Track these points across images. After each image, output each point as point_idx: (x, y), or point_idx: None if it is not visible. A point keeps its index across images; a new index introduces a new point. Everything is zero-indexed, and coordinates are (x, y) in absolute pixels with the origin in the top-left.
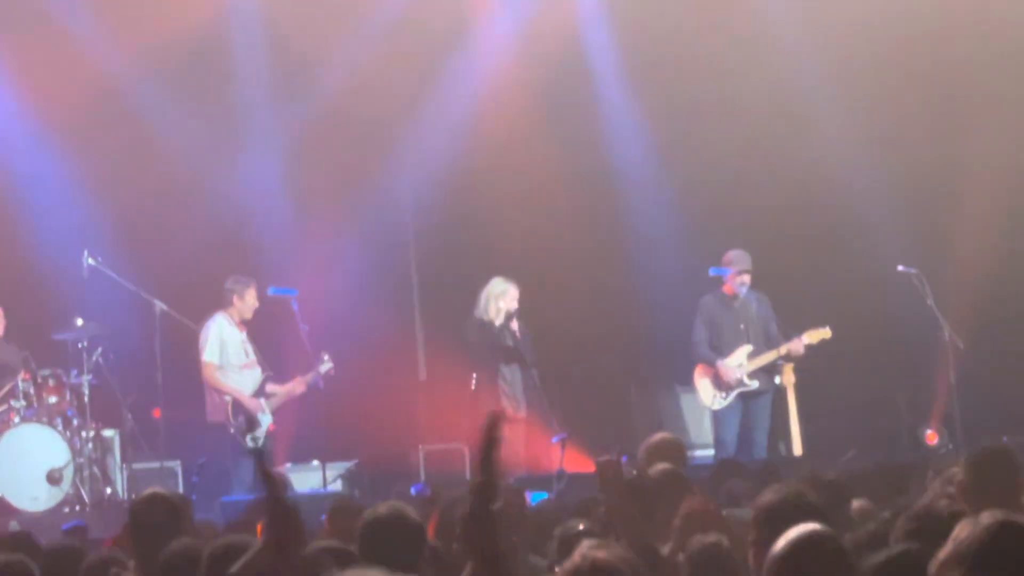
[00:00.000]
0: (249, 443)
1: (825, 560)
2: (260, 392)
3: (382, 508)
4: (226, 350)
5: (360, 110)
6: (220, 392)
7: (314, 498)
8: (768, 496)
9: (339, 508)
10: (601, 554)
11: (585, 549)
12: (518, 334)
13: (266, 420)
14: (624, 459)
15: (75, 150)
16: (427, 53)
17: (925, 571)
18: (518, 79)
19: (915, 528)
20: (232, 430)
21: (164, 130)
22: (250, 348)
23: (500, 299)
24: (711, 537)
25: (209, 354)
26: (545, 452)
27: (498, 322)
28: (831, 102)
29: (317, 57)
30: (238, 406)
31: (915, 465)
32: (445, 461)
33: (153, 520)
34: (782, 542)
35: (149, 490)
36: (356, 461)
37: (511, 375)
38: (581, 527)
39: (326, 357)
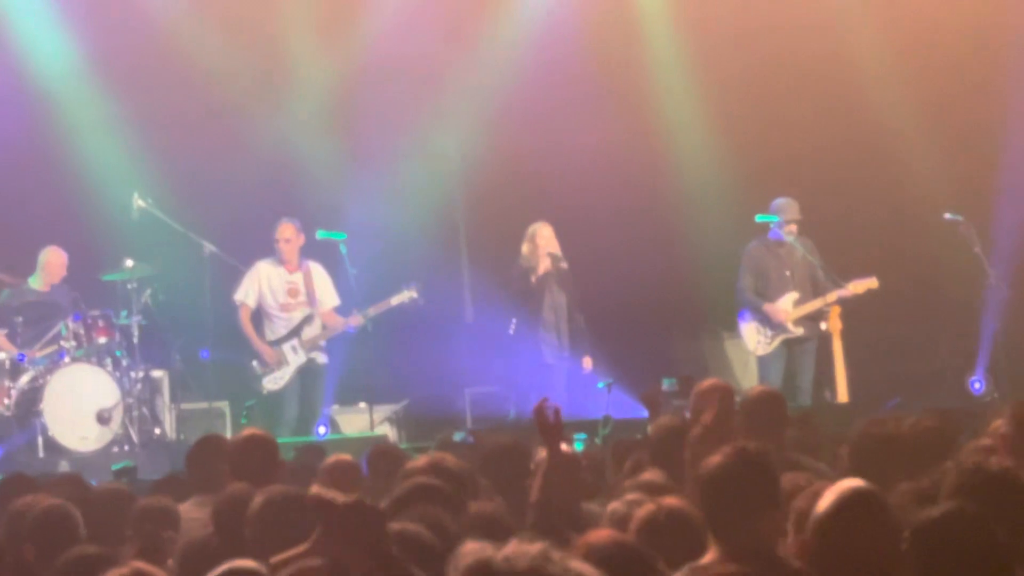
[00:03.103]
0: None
1: (871, 518)
2: (295, 332)
3: (421, 462)
4: (263, 292)
5: (410, 50)
6: (243, 334)
7: (362, 441)
8: None
9: (379, 453)
10: (673, 502)
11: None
12: (562, 277)
13: (294, 361)
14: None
15: (123, 90)
16: None
17: (976, 529)
18: (569, 27)
19: (965, 484)
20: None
21: (212, 70)
22: (299, 289)
23: (533, 240)
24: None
25: (237, 293)
26: (591, 397)
27: (538, 266)
28: (880, 49)
29: None
30: (252, 352)
31: (962, 412)
32: (491, 404)
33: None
34: (828, 499)
35: (247, 431)
36: (407, 402)
37: (553, 319)
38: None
39: (412, 286)
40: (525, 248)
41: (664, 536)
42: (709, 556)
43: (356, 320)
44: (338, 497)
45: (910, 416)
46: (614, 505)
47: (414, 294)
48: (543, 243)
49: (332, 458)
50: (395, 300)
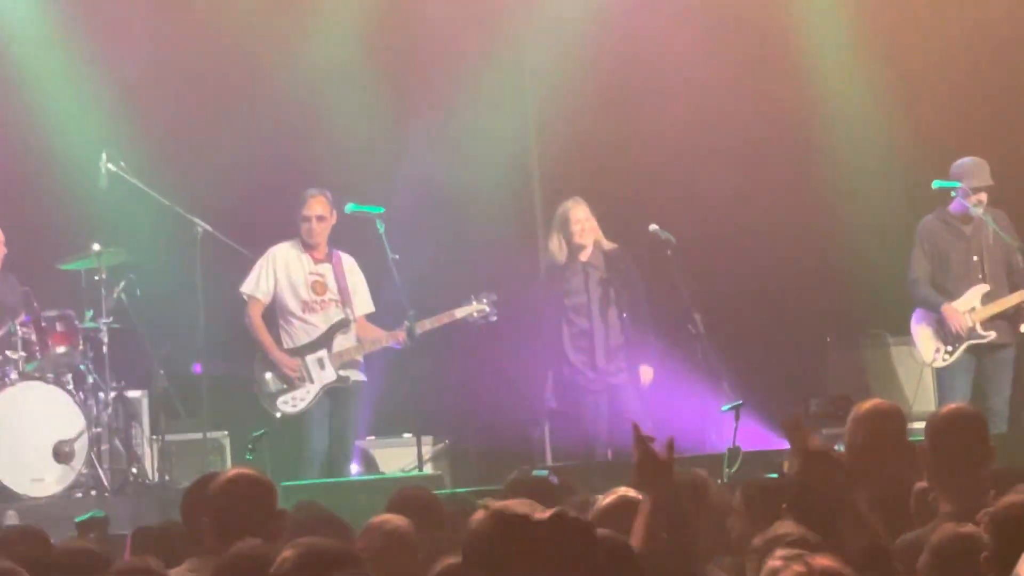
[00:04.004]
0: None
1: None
2: (324, 341)
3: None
4: (279, 284)
5: None
6: (253, 338)
7: (400, 484)
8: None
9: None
10: (826, 563)
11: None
12: (611, 263)
13: (321, 378)
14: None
15: (88, 19)
16: None
17: None
18: None
19: None
20: (256, 390)
21: (208, 6)
22: (327, 284)
23: (565, 226)
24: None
25: (245, 284)
26: (712, 423)
27: (573, 259)
28: None
29: None
30: (266, 362)
31: None
32: (576, 433)
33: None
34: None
35: (232, 471)
36: (447, 441)
37: (588, 325)
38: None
39: (484, 300)
40: (553, 241)
41: None
42: None
43: (401, 337)
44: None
45: None
46: (752, 565)
47: (486, 308)
48: (581, 227)
49: (379, 521)
50: (460, 313)
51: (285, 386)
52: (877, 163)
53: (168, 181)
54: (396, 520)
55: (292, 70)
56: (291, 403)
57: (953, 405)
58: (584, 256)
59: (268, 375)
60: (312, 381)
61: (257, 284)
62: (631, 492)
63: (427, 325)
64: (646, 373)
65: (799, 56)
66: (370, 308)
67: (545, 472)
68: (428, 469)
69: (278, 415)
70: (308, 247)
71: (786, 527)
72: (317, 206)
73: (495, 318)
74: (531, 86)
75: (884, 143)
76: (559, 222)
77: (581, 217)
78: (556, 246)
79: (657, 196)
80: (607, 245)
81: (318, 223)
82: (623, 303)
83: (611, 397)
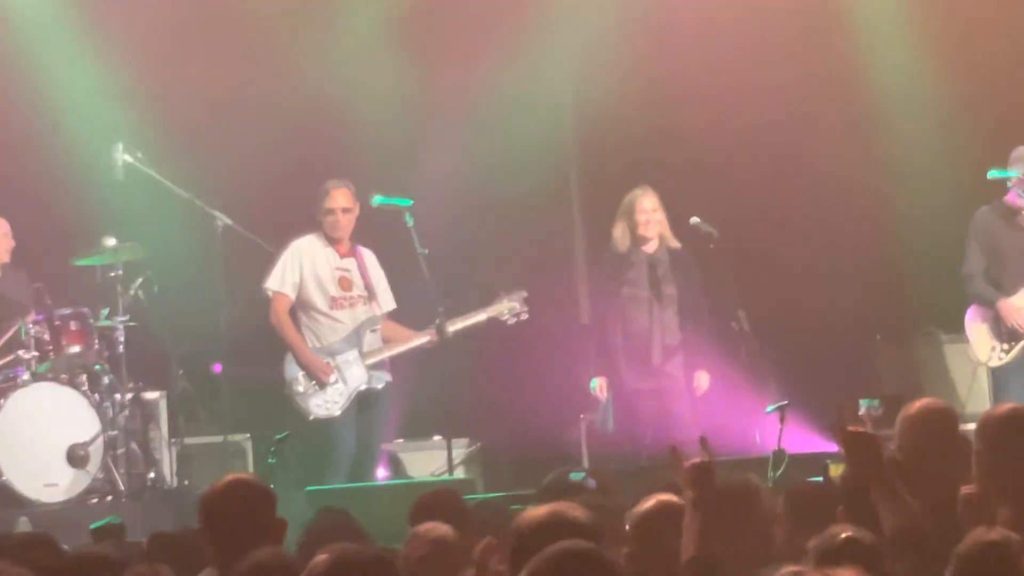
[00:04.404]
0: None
1: None
2: (355, 340)
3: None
4: (305, 279)
5: None
6: (281, 337)
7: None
8: None
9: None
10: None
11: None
12: (675, 262)
13: (354, 380)
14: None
15: (107, 15)
16: None
17: None
18: None
19: None
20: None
21: None
22: (353, 279)
23: (631, 216)
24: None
25: (270, 280)
26: (757, 424)
27: (624, 248)
28: None
29: None
30: (296, 363)
31: None
32: (615, 436)
33: (232, 520)
34: None
35: (228, 477)
36: (479, 444)
37: (647, 323)
38: (844, 535)
39: (513, 297)
40: (617, 229)
41: None
42: None
43: (431, 337)
44: None
45: None
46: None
47: (516, 306)
48: (647, 218)
49: (425, 529)
50: (489, 313)
51: (318, 388)
52: (930, 153)
53: (187, 173)
54: (442, 528)
55: (318, 59)
56: (324, 406)
57: (1009, 405)
58: (648, 249)
59: (301, 375)
60: (346, 383)
61: (283, 279)
62: (671, 497)
63: (457, 325)
64: (702, 379)
65: (849, 46)
66: (393, 306)
67: (582, 475)
68: (459, 473)
69: (311, 418)
70: (333, 241)
71: (841, 528)
72: (341, 197)
73: (526, 316)
74: (567, 76)
75: (937, 131)
76: (625, 210)
77: (648, 208)
78: (619, 234)
79: (698, 189)
80: (673, 243)
81: (344, 215)
82: (683, 304)
83: (661, 398)
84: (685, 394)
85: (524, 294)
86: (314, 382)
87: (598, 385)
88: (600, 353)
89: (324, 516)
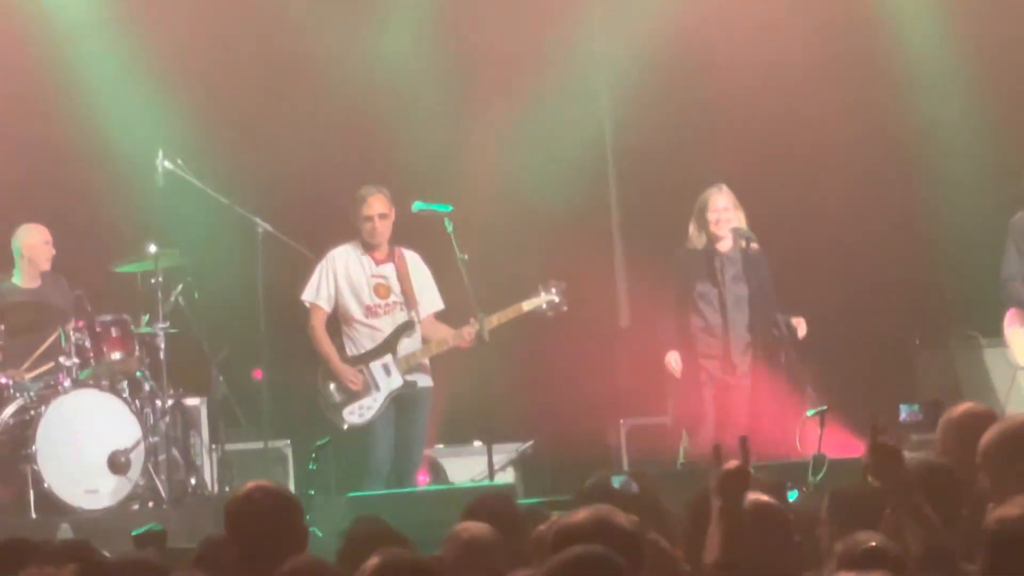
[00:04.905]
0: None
1: None
2: (388, 346)
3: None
4: (341, 290)
5: None
6: (316, 347)
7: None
8: None
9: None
10: None
11: None
12: (750, 263)
13: (387, 385)
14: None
15: (147, 22)
16: None
17: None
18: None
19: None
20: (320, 403)
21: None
22: (390, 286)
23: (703, 214)
24: None
25: (306, 292)
26: (796, 430)
27: (711, 247)
28: None
29: None
30: (329, 372)
31: None
32: (656, 440)
33: (254, 527)
34: None
35: (250, 484)
36: (532, 442)
37: (721, 323)
38: (873, 543)
39: (552, 289)
40: (692, 226)
41: None
42: None
43: (471, 334)
44: None
45: None
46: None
47: (555, 299)
48: (717, 216)
49: (459, 528)
50: (527, 306)
51: (350, 396)
52: (969, 157)
53: (227, 180)
54: (476, 527)
55: (357, 65)
56: (358, 413)
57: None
58: (722, 247)
59: (332, 386)
60: (379, 388)
61: (318, 292)
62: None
63: (495, 321)
64: (801, 325)
65: (890, 47)
66: (439, 306)
67: (624, 478)
68: (500, 478)
69: (345, 427)
70: (369, 248)
71: (867, 535)
72: (378, 204)
73: (566, 307)
74: (605, 74)
75: (977, 136)
76: (698, 208)
77: (719, 206)
78: (694, 232)
79: (736, 190)
80: (752, 241)
81: (381, 221)
82: (754, 304)
83: (724, 396)
84: (748, 396)
85: (563, 285)
86: (347, 392)
87: (674, 357)
88: (678, 331)
89: (360, 524)
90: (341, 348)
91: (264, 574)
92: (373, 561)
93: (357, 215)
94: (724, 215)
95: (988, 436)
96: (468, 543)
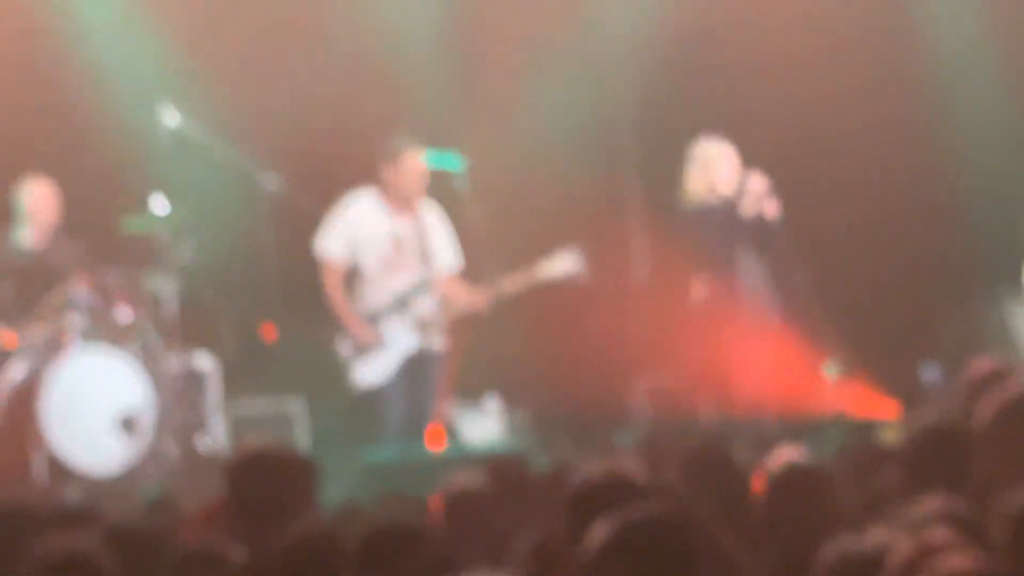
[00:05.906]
0: None
1: None
2: (402, 303)
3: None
4: (357, 241)
5: None
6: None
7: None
8: None
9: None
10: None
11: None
12: (766, 235)
13: (401, 345)
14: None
15: None
16: None
17: None
18: None
19: None
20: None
21: None
22: (410, 243)
23: (706, 167)
24: None
25: (319, 243)
26: (815, 387)
27: (717, 203)
28: None
29: None
30: (341, 330)
31: None
32: (675, 401)
33: (258, 491)
34: None
35: (251, 445)
36: (537, 406)
37: (750, 276)
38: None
39: (570, 251)
40: (692, 179)
41: None
42: None
43: (484, 298)
44: None
45: None
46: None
47: (571, 263)
48: (717, 170)
49: (449, 482)
50: (543, 271)
51: (361, 354)
52: (995, 116)
53: (234, 130)
54: (468, 480)
55: (370, 12)
56: (368, 373)
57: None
58: (752, 203)
59: (346, 344)
60: (392, 348)
61: (330, 244)
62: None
63: (508, 287)
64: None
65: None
66: (456, 263)
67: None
68: (514, 439)
69: (359, 385)
70: (393, 199)
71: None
72: (413, 162)
73: (582, 272)
74: (625, 27)
75: (1002, 93)
76: (701, 162)
77: (724, 156)
78: (698, 185)
79: (756, 151)
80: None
81: (412, 180)
82: (786, 277)
83: (744, 350)
84: (769, 351)
85: (579, 251)
86: (360, 350)
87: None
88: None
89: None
90: (354, 304)
91: (267, 538)
92: (360, 530)
93: (387, 166)
94: (734, 170)
95: (993, 402)
96: (457, 496)
